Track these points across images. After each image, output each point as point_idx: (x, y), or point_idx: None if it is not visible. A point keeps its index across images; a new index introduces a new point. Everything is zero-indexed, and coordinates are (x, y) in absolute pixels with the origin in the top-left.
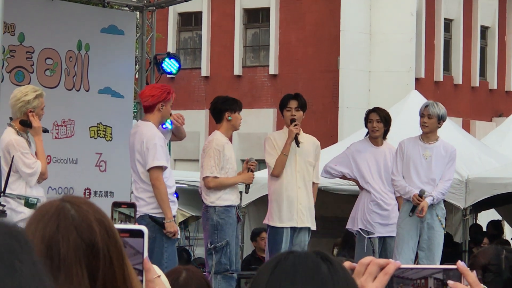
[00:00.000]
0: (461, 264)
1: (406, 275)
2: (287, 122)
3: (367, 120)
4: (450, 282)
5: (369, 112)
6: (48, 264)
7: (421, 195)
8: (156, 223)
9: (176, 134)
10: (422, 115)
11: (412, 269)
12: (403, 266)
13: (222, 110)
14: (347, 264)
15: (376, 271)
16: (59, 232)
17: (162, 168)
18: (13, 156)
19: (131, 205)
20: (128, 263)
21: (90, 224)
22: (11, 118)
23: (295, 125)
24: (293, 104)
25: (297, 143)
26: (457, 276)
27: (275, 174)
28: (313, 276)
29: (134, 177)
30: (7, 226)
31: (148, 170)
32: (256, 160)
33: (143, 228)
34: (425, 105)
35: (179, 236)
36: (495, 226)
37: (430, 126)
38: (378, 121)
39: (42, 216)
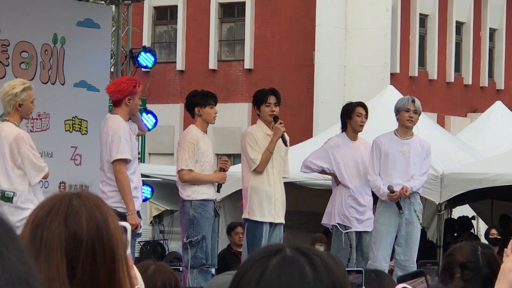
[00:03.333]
0: None
1: None
2: (266, 117)
3: (352, 113)
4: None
5: (356, 106)
6: (31, 244)
7: (391, 190)
8: (118, 217)
9: (139, 126)
10: (407, 110)
11: None
12: None
13: (192, 105)
14: None
15: None
16: (49, 216)
17: (125, 161)
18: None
19: None
20: (123, 268)
21: (80, 216)
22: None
23: (281, 123)
24: (273, 99)
25: (285, 142)
26: None
27: (260, 171)
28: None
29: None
30: None
31: (112, 163)
32: (231, 154)
33: (126, 224)
34: (411, 100)
35: (140, 231)
36: (463, 222)
37: (415, 121)
38: (365, 116)
39: (47, 200)
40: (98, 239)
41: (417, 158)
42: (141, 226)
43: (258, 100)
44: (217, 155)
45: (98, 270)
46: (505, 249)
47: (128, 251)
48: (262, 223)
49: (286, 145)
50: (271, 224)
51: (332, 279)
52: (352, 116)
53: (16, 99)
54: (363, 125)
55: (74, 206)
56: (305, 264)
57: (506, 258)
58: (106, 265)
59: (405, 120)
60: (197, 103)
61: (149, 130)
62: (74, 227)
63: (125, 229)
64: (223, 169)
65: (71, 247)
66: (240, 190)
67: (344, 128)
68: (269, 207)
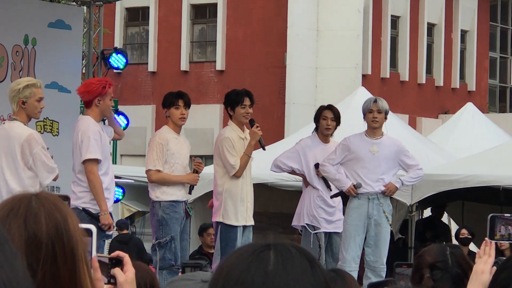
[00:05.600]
0: None
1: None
2: (240, 119)
3: (319, 116)
4: None
5: (323, 109)
6: None
7: (358, 187)
8: (91, 217)
9: (115, 130)
10: (371, 110)
11: None
12: None
13: (162, 106)
14: None
15: None
16: (8, 218)
17: (96, 161)
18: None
19: (65, 198)
20: (83, 268)
21: (39, 216)
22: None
23: (257, 126)
24: (248, 101)
25: (263, 146)
26: None
27: (239, 176)
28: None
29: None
30: None
31: (83, 163)
32: (202, 155)
33: (92, 227)
34: (373, 101)
35: (111, 232)
36: (427, 222)
37: (380, 121)
38: (332, 120)
39: (5, 202)
40: (58, 239)
41: (386, 158)
42: (114, 227)
43: (232, 101)
44: (190, 156)
45: (59, 271)
46: (478, 250)
47: (94, 253)
48: (236, 227)
49: (264, 149)
50: (243, 226)
51: (323, 275)
52: (319, 119)
53: (19, 96)
54: (329, 128)
55: (33, 207)
56: (303, 259)
57: (478, 259)
58: (67, 266)
59: (370, 121)
60: (163, 104)
61: None
62: (34, 228)
63: (90, 231)
64: (196, 171)
65: (31, 249)
66: (211, 192)
67: (316, 130)
68: (242, 210)
